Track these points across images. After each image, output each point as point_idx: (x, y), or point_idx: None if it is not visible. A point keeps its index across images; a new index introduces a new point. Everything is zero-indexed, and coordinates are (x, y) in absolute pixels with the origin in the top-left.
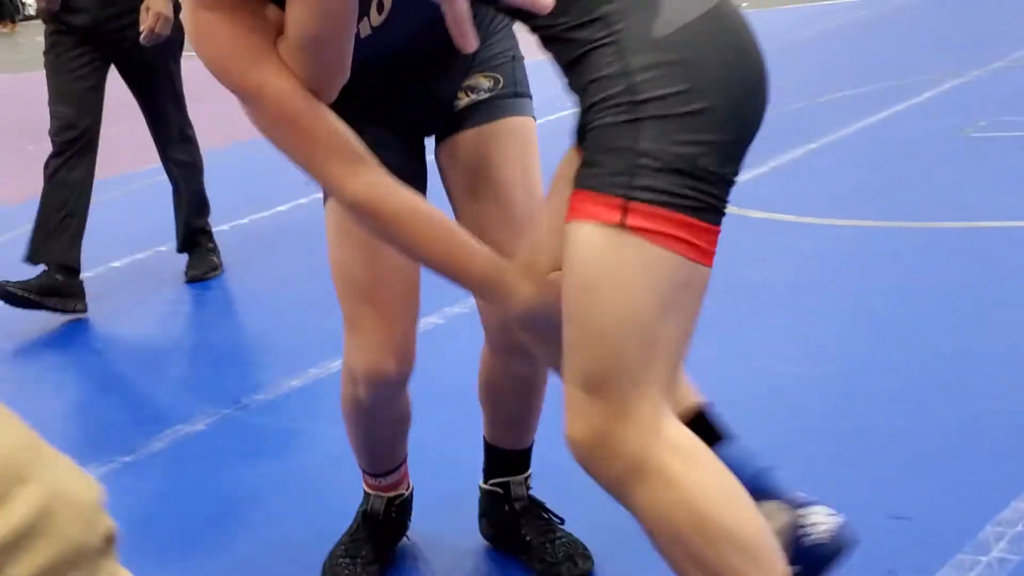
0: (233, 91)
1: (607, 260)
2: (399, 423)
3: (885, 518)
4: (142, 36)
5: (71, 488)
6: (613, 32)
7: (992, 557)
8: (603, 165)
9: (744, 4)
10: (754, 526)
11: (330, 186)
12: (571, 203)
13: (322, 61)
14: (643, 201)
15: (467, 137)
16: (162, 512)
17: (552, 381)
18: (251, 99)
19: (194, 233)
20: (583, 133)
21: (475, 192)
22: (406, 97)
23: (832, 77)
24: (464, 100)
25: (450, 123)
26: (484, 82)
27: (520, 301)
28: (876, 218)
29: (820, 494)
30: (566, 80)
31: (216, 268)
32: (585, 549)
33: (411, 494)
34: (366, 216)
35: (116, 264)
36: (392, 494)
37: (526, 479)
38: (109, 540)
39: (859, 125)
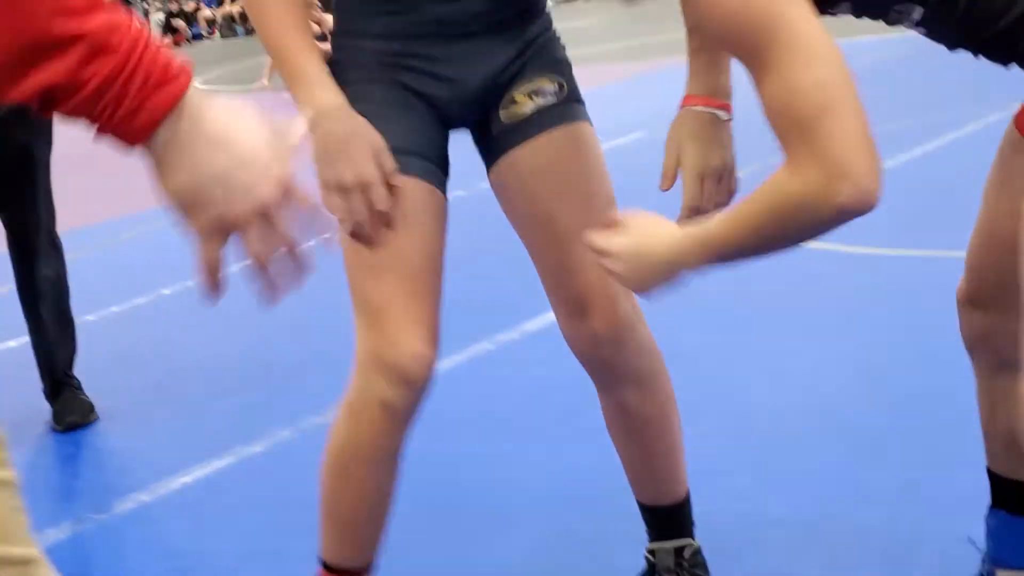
0: None
1: None
2: (390, 469)
3: (954, 542)
4: None
5: None
6: None
7: None
8: None
9: None
10: None
11: None
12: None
13: None
14: None
15: (540, 143)
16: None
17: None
18: None
19: (64, 374)
20: None
21: (555, 198)
22: (449, 74)
23: (873, 112)
24: (529, 105)
25: (516, 130)
26: (549, 86)
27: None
28: (924, 247)
29: (881, 518)
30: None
31: (92, 408)
32: None
33: None
34: None
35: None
36: None
37: (679, 550)
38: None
39: (904, 158)
